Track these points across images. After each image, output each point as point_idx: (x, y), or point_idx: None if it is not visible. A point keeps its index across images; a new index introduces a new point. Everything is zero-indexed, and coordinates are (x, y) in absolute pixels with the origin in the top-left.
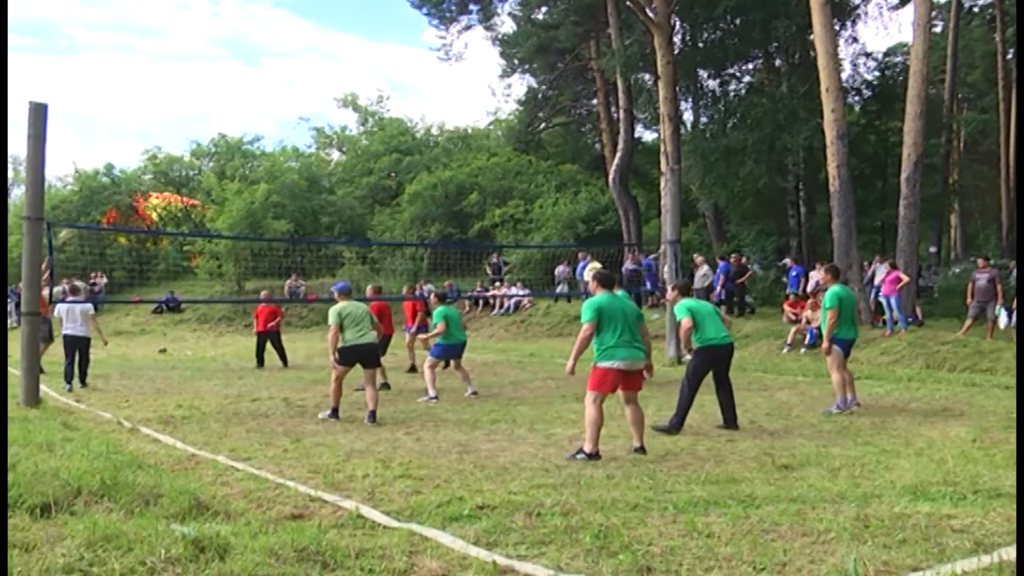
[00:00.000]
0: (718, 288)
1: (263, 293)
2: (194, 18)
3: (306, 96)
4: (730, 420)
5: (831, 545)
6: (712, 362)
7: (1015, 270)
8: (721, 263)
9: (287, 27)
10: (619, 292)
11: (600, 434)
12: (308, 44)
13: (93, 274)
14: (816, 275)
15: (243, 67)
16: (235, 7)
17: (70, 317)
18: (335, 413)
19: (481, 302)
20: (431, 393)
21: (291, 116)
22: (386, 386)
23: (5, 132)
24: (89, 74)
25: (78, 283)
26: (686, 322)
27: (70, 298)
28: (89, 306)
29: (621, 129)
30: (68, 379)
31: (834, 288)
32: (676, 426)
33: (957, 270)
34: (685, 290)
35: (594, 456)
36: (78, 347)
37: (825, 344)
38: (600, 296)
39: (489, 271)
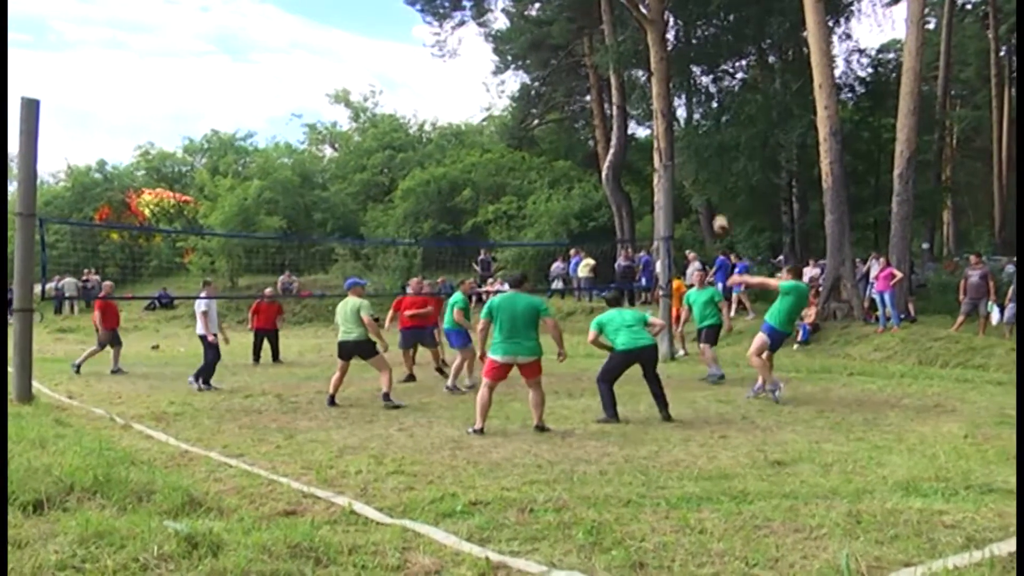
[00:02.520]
0: (720, 285)
1: (267, 290)
2: (183, 13)
3: (296, 92)
4: (662, 411)
5: (823, 541)
6: (624, 363)
7: (1008, 266)
8: (735, 262)
9: (276, 22)
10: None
11: (487, 413)
12: (297, 40)
13: (86, 271)
14: (809, 271)
15: (232, 63)
16: (223, 2)
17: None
18: (331, 400)
19: (474, 298)
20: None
21: (281, 112)
22: (440, 371)
23: (5, 132)
24: (79, 70)
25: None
26: (591, 334)
27: (204, 293)
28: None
29: (614, 125)
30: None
31: (790, 282)
32: (609, 418)
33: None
34: (612, 301)
35: (479, 431)
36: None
37: (759, 279)
38: (498, 296)
39: (478, 268)
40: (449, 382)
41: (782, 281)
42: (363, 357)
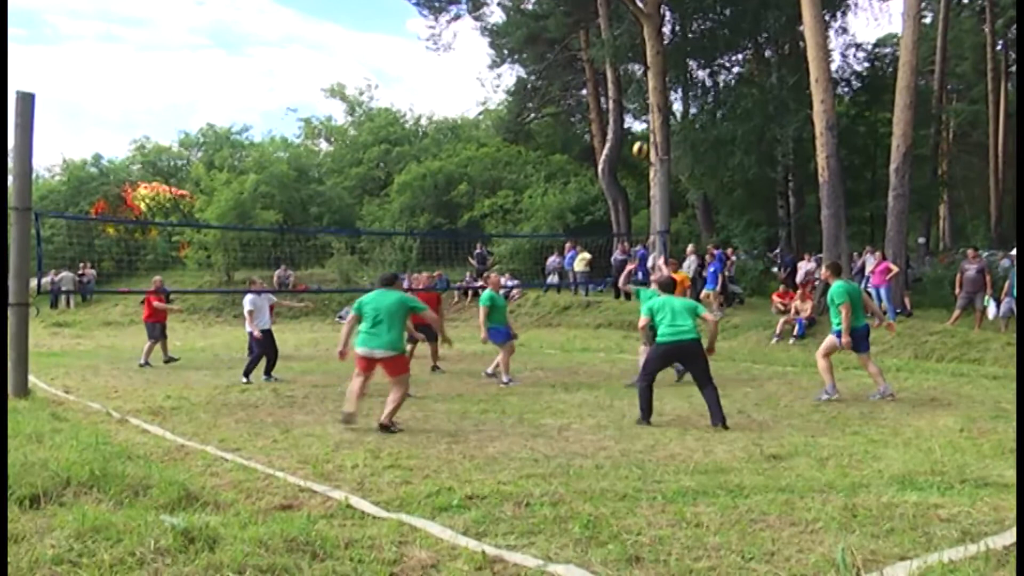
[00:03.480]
0: (717, 280)
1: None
2: (177, 6)
3: (291, 86)
4: (716, 417)
5: (819, 534)
6: (666, 358)
7: (1004, 260)
8: (716, 252)
9: (270, 16)
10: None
11: (356, 400)
12: (292, 33)
13: (82, 265)
14: (805, 265)
15: (227, 56)
16: None
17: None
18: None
19: (470, 292)
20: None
21: (276, 106)
22: (435, 368)
23: (5, 126)
24: (73, 63)
25: (256, 278)
26: (643, 320)
27: (254, 289)
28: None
29: (610, 119)
30: (248, 373)
31: (838, 283)
32: (643, 418)
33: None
34: (662, 286)
35: (349, 415)
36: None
37: (845, 339)
38: (369, 293)
39: (474, 262)
40: (489, 369)
41: (831, 288)
42: None
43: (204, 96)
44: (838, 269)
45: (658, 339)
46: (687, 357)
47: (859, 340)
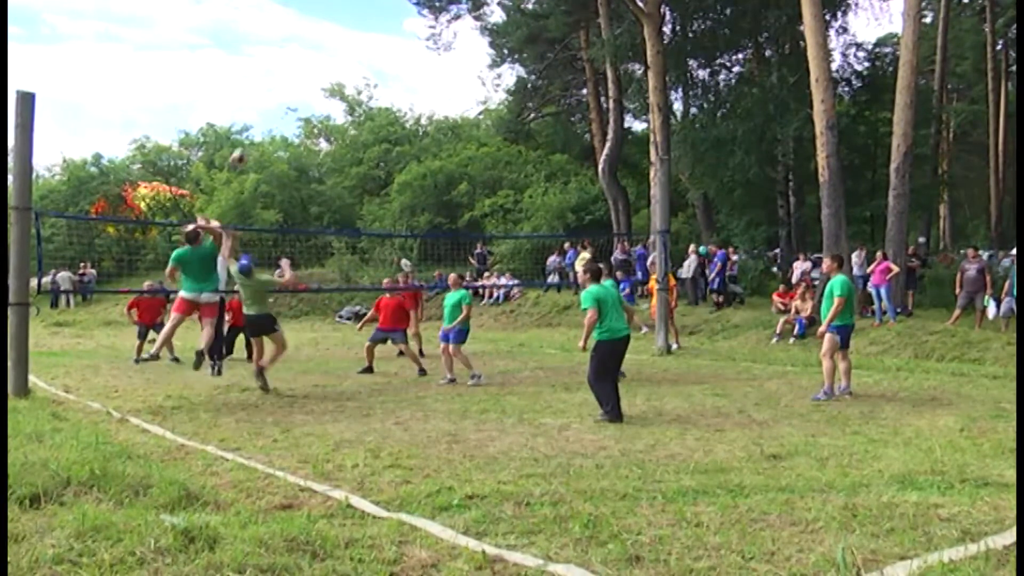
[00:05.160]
0: (712, 275)
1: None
2: (176, 6)
3: (288, 86)
4: (612, 413)
5: (819, 534)
6: (615, 354)
7: (1004, 260)
8: (719, 252)
9: (268, 15)
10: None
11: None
12: (290, 33)
13: (82, 264)
14: (800, 265)
15: (226, 56)
16: None
17: None
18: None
19: (470, 292)
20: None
21: (274, 105)
22: (422, 371)
23: (5, 125)
24: (72, 63)
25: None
26: (592, 313)
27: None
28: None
29: (611, 119)
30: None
31: (841, 277)
32: (614, 418)
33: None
34: (596, 275)
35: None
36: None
37: (822, 328)
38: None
39: (475, 262)
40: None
41: (832, 280)
42: (265, 333)
43: (203, 96)
44: (841, 261)
45: (604, 335)
46: (624, 352)
47: (845, 336)
